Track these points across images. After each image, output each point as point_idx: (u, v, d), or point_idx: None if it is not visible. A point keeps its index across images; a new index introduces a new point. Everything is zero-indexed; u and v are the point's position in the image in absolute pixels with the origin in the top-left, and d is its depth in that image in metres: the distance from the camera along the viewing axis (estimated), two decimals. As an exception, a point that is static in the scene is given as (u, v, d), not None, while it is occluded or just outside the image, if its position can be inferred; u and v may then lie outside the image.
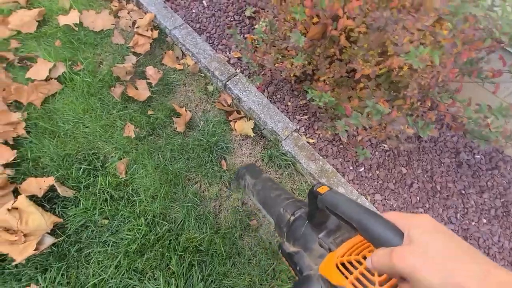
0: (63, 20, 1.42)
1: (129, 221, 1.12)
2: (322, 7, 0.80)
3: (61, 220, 1.07)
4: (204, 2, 1.56)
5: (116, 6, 1.54)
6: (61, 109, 1.28)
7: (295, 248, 0.51)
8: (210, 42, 1.49)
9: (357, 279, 0.32)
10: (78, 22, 1.44)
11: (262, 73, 1.33)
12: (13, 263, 0.96)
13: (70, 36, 1.43)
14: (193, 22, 1.53)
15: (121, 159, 1.22)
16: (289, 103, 1.39)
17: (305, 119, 1.37)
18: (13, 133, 1.16)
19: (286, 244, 0.54)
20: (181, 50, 1.51)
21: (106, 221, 1.12)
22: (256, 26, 1.53)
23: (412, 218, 0.29)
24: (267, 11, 1.16)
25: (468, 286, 0.22)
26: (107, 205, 1.13)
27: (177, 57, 1.51)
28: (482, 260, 0.24)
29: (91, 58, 1.40)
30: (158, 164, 1.24)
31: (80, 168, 1.17)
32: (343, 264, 0.35)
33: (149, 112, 1.33)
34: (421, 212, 1.26)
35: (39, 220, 1.02)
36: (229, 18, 1.53)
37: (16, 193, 1.07)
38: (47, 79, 1.28)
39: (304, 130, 1.34)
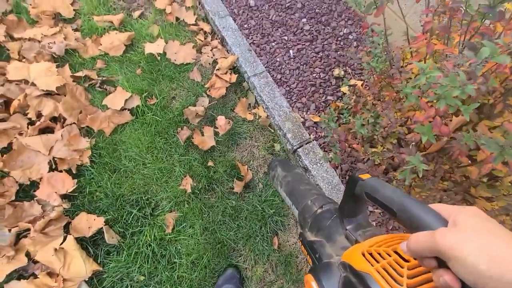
0: (148, 48, 1.41)
1: (165, 287, 1.03)
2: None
3: (101, 269, 1.03)
4: (291, 51, 1.45)
5: (201, 41, 1.50)
6: (127, 142, 1.25)
7: (317, 238, 0.51)
8: (288, 97, 1.37)
9: (384, 268, 0.31)
10: (162, 52, 1.42)
11: (342, 152, 1.16)
12: (47, 310, 0.93)
13: (152, 66, 1.42)
14: (274, 71, 1.42)
15: (171, 211, 1.15)
16: (364, 190, 1.20)
17: (379, 213, 1.17)
18: (78, 160, 1.16)
19: (308, 233, 0.54)
20: (255, 99, 1.41)
21: (142, 278, 1.05)
22: (342, 89, 1.37)
23: (459, 208, 0.27)
24: (367, 95, 0.99)
25: None
26: (148, 262, 1.06)
27: (249, 104, 1.42)
28: None
29: (165, 92, 1.37)
30: (206, 226, 1.15)
31: (132, 213, 1.12)
32: (370, 254, 0.34)
33: (209, 164, 1.25)
34: None
35: (80, 267, 0.99)
36: (314, 75, 1.39)
37: (66, 228, 1.06)
38: (121, 109, 1.27)
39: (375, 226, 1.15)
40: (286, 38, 1.49)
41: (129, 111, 1.29)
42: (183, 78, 1.43)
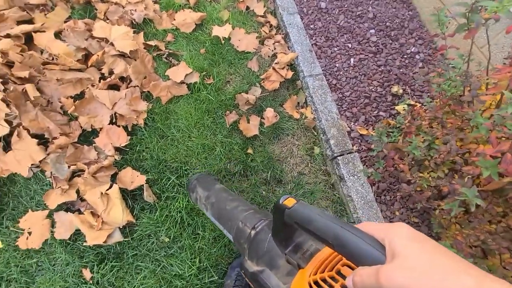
0: (216, 31, 1.48)
1: (185, 253, 1.10)
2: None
3: (134, 221, 1.12)
4: (352, 60, 1.43)
5: (265, 33, 1.54)
6: (179, 113, 1.34)
7: (259, 267, 0.46)
8: (339, 104, 1.36)
9: None
10: (227, 37, 1.49)
11: (385, 171, 1.14)
12: (84, 244, 1.04)
13: (215, 48, 1.49)
14: (331, 76, 1.42)
15: (205, 186, 1.22)
16: (398, 213, 1.17)
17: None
18: (134, 120, 1.27)
19: (249, 262, 0.49)
20: (306, 99, 1.42)
21: (167, 240, 1.13)
22: (396, 108, 1.33)
23: (389, 228, 0.27)
24: (424, 119, 0.96)
25: None
26: (175, 226, 1.14)
27: (298, 103, 1.43)
28: (474, 271, 0.23)
29: (222, 75, 1.44)
30: (234, 209, 1.19)
31: (170, 178, 1.20)
32: (316, 283, 0.33)
33: (249, 151, 1.29)
34: None
35: (118, 214, 1.08)
36: (371, 87, 1.37)
37: (113, 177, 1.16)
38: (180, 82, 1.36)
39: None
40: (349, 45, 1.48)
41: (186, 86, 1.38)
42: (241, 65, 1.49)
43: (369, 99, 1.35)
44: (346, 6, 1.57)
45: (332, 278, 0.32)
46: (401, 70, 1.41)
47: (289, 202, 0.36)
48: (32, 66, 1.20)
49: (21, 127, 1.11)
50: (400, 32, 1.50)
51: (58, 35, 1.36)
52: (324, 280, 0.33)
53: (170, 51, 1.46)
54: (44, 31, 1.33)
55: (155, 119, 1.31)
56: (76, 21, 1.38)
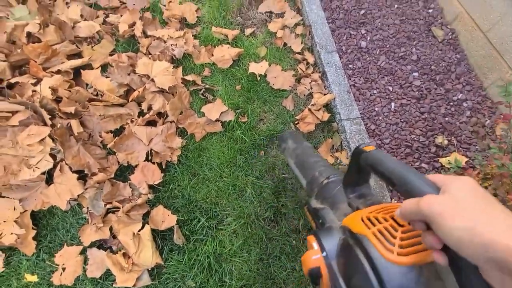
0: (252, 68, 1.49)
1: (211, 303, 1.08)
2: None
3: (162, 263, 1.12)
4: (393, 104, 1.38)
5: (302, 71, 1.52)
6: (212, 151, 1.34)
7: (322, 205, 0.54)
8: (377, 151, 1.30)
9: (380, 231, 0.33)
10: (263, 74, 1.48)
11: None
12: (114, 285, 1.05)
13: (251, 84, 1.49)
14: (369, 120, 1.37)
15: (234, 231, 1.20)
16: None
17: None
18: (168, 157, 1.28)
19: (314, 201, 0.57)
20: (341, 143, 1.38)
21: (193, 285, 1.11)
22: (441, 161, 1.25)
23: (454, 178, 0.28)
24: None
25: (488, 237, 0.22)
26: (202, 272, 1.12)
27: (333, 145, 1.39)
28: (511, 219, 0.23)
29: (257, 113, 1.43)
30: (262, 257, 1.17)
31: (200, 220, 1.20)
32: (368, 219, 0.36)
33: (281, 198, 1.26)
34: None
35: (148, 257, 1.09)
36: (413, 136, 1.30)
37: (145, 215, 1.18)
38: (215, 120, 1.36)
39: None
40: (390, 88, 1.42)
41: (221, 123, 1.38)
42: (276, 103, 1.47)
43: (410, 149, 1.28)
44: (388, 46, 1.52)
45: (385, 219, 0.35)
46: (446, 118, 1.33)
47: (368, 148, 0.40)
48: (78, 101, 1.26)
49: (63, 162, 1.15)
50: (446, 77, 1.43)
51: (104, 67, 1.42)
52: (376, 219, 0.35)
53: (207, 86, 1.48)
54: (91, 65, 1.40)
55: (188, 156, 1.32)
56: (120, 54, 1.44)
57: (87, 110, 1.26)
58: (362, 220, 0.36)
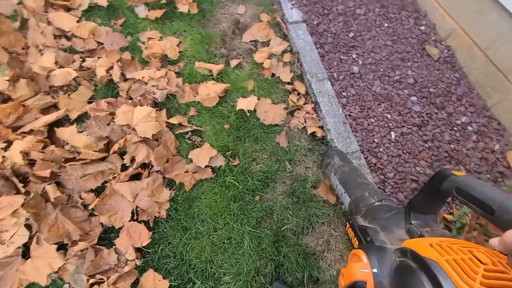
0: (240, 104, 1.41)
1: None
2: None
3: None
4: (393, 134, 1.29)
5: (293, 102, 1.44)
6: (203, 200, 1.24)
7: (370, 225, 0.52)
8: (382, 187, 1.21)
9: (456, 261, 0.30)
10: (252, 110, 1.40)
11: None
12: None
13: (240, 122, 1.41)
14: (369, 152, 1.28)
15: (233, 291, 1.09)
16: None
17: None
18: (157, 213, 1.18)
19: (360, 219, 0.55)
20: (342, 179, 1.28)
21: None
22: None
23: None
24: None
25: None
26: None
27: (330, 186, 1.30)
28: None
29: (249, 153, 1.34)
30: (266, 320, 1.06)
31: (195, 284, 1.09)
32: (440, 247, 0.33)
33: (282, 249, 1.16)
34: None
35: (139, 334, 0.98)
36: (418, 168, 1.21)
37: (134, 283, 1.07)
38: (204, 166, 1.27)
39: None
40: (389, 116, 1.34)
41: (211, 169, 1.29)
42: (269, 139, 1.39)
43: (417, 183, 1.19)
44: (381, 70, 1.44)
45: (461, 252, 0.31)
46: (452, 145, 1.24)
47: (458, 173, 0.37)
48: (53, 161, 1.16)
49: (40, 233, 1.05)
50: (447, 99, 1.34)
51: (82, 116, 1.34)
52: (450, 248, 0.32)
53: (193, 128, 1.39)
54: (68, 116, 1.31)
55: (178, 209, 1.22)
56: (99, 102, 1.35)
57: (64, 170, 1.16)
58: (431, 246, 0.34)
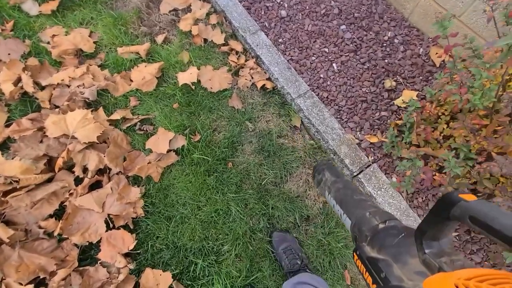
0: (182, 78, 1.33)
1: None
2: None
3: (177, 328, 1.00)
4: (334, 65, 1.35)
5: (235, 63, 1.40)
6: (177, 185, 1.20)
7: (380, 255, 0.46)
8: (338, 117, 1.29)
9: None
10: (196, 81, 1.34)
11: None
12: None
13: (188, 97, 1.34)
14: (319, 89, 1.33)
15: (236, 256, 1.11)
16: (435, 213, 1.14)
17: (456, 236, 1.12)
18: (133, 213, 1.12)
19: (367, 248, 0.49)
20: (302, 122, 1.33)
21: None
22: (396, 103, 1.28)
23: None
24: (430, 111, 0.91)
25: None
26: (222, 314, 1.04)
27: (294, 127, 1.34)
28: None
29: (207, 125, 1.30)
30: (275, 268, 1.11)
31: (197, 264, 1.09)
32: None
33: (269, 202, 1.20)
34: None
35: (158, 330, 0.96)
36: (364, 89, 1.30)
37: (135, 286, 1.03)
38: (167, 151, 1.21)
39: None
40: (326, 50, 1.39)
41: (174, 152, 1.23)
42: (223, 106, 1.35)
43: (366, 102, 1.28)
44: (307, 8, 1.46)
45: None
46: (386, 60, 1.35)
47: (468, 197, 0.33)
48: (-10, 200, 1.00)
49: (7, 279, 0.93)
50: (371, 20, 1.43)
51: (4, 144, 1.15)
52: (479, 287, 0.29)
53: (140, 118, 1.29)
54: (-15, 148, 1.11)
55: (155, 203, 1.17)
56: (19, 121, 1.17)
57: (7, 205, 1.01)
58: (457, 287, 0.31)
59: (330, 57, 1.37)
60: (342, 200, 0.67)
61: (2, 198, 0.99)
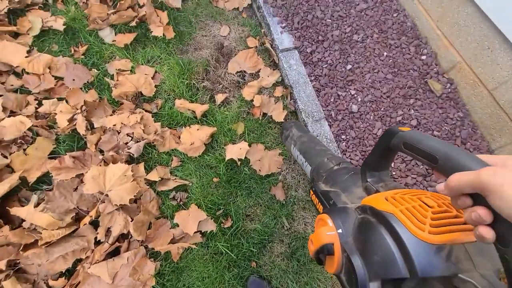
0: (230, 152, 1.26)
1: None
2: None
3: None
4: (397, 186, 1.20)
5: (289, 148, 1.31)
6: (194, 268, 1.12)
7: (332, 188, 0.54)
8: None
9: (408, 210, 0.33)
10: (243, 158, 1.26)
11: None
12: None
13: (231, 173, 1.26)
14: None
15: None
16: None
17: None
18: (140, 293, 1.05)
19: (322, 185, 0.59)
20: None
21: None
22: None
23: (509, 156, 0.28)
24: None
25: None
26: None
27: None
28: None
29: (241, 209, 1.22)
30: None
31: None
32: (394, 199, 0.36)
33: (282, 321, 1.07)
34: None
35: None
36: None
37: None
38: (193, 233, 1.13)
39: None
40: (392, 165, 1.24)
41: (200, 233, 1.16)
42: (263, 192, 1.26)
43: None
44: (382, 109, 1.33)
45: (411, 200, 0.35)
46: (457, 197, 1.18)
47: (405, 129, 0.39)
48: (9, 245, 0.98)
49: None
50: (452, 143, 1.27)
51: (41, 179, 1.14)
52: (402, 198, 0.35)
53: (177, 182, 1.23)
54: (25, 178, 1.11)
55: (165, 286, 1.09)
56: (62, 158, 1.15)
57: (23, 256, 0.98)
58: (387, 200, 0.36)
59: (394, 175, 1.23)
60: (305, 151, 0.78)
61: (22, 252, 0.97)
